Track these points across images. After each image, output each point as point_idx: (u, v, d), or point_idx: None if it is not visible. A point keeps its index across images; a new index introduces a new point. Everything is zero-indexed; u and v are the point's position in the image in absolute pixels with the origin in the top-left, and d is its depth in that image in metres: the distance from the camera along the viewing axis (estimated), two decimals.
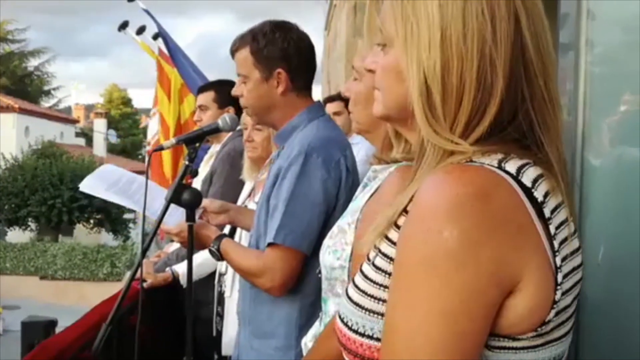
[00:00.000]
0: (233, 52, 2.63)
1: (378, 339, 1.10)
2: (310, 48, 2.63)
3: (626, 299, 1.91)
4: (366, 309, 1.13)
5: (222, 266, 3.35)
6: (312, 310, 2.40)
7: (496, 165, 1.03)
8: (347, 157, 2.47)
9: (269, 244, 2.40)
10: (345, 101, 5.14)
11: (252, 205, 3.14)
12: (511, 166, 1.04)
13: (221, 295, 3.40)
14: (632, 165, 1.99)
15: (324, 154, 2.42)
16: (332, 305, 1.87)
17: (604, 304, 1.99)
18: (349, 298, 1.16)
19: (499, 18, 1.05)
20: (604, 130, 2.26)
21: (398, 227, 1.09)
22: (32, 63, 45.76)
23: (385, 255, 1.11)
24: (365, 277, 1.14)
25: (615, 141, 2.21)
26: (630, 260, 1.89)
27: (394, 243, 1.09)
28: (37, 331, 3.71)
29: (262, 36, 2.55)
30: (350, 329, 1.14)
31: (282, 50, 2.54)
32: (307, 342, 2.00)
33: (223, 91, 4.02)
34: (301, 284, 2.43)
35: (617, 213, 2.04)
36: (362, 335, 1.13)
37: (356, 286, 1.15)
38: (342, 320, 1.17)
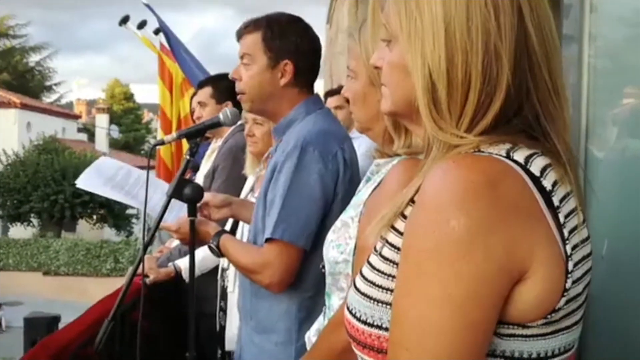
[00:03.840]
0: (242, 32, 2.57)
1: (387, 329, 1.10)
2: (320, 51, 2.63)
3: (630, 291, 1.91)
4: (374, 299, 1.13)
5: (224, 261, 3.35)
6: (312, 304, 2.39)
7: (504, 154, 1.04)
8: (344, 149, 2.44)
9: (267, 240, 2.37)
10: None
11: (254, 200, 3.13)
12: (519, 155, 1.04)
13: (224, 290, 3.40)
14: (635, 157, 1.99)
15: (321, 147, 2.39)
16: (335, 300, 1.87)
17: (608, 297, 1.99)
18: (357, 289, 1.16)
19: (503, 11, 1.05)
20: (607, 123, 2.26)
21: (405, 217, 1.10)
22: (34, 58, 45.84)
23: (392, 245, 1.11)
24: (373, 267, 1.14)
25: (619, 134, 2.21)
26: (635, 253, 1.89)
27: (401, 233, 1.09)
28: (40, 327, 3.71)
29: (277, 26, 2.52)
30: (358, 320, 1.15)
31: (295, 45, 2.51)
32: (311, 336, 2.00)
33: (220, 86, 4.02)
34: (300, 278, 2.41)
35: (621, 205, 2.04)
36: (371, 325, 1.13)
37: (364, 277, 1.16)
38: (350, 312, 1.17)
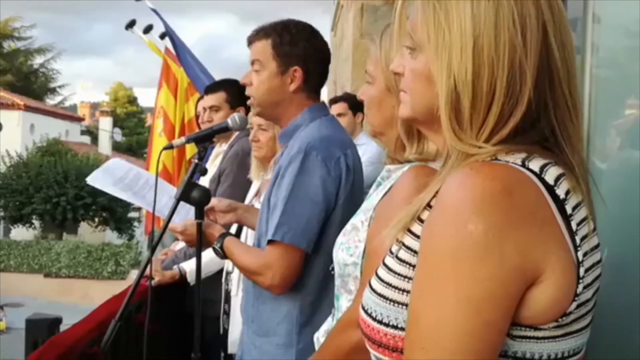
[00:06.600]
0: (253, 39, 2.62)
1: (402, 329, 1.14)
2: (328, 57, 2.66)
3: (630, 300, 1.93)
4: (390, 300, 1.17)
5: (229, 265, 3.37)
6: (312, 308, 2.43)
7: (520, 163, 1.08)
8: (347, 155, 2.48)
9: (269, 242, 2.41)
10: (349, 103, 5.21)
11: (258, 205, 3.16)
12: (534, 165, 1.08)
13: (228, 293, 3.42)
14: (637, 167, 2.01)
15: (324, 152, 2.42)
16: (344, 302, 1.90)
17: (608, 305, 2.00)
18: (373, 290, 1.20)
19: (529, 28, 1.09)
20: (609, 133, 2.28)
21: (422, 221, 1.14)
22: (38, 60, 45.77)
23: (408, 248, 1.15)
24: (389, 269, 1.18)
25: (620, 144, 2.23)
26: (635, 262, 1.91)
27: (417, 236, 1.13)
28: (41, 329, 3.72)
29: (287, 33, 2.56)
30: (374, 319, 1.19)
31: (304, 51, 2.55)
32: (320, 337, 2.02)
33: (234, 91, 4.03)
34: (302, 282, 2.44)
35: (622, 215, 2.06)
36: (387, 325, 1.17)
37: (380, 278, 1.20)
38: (365, 312, 1.21)
